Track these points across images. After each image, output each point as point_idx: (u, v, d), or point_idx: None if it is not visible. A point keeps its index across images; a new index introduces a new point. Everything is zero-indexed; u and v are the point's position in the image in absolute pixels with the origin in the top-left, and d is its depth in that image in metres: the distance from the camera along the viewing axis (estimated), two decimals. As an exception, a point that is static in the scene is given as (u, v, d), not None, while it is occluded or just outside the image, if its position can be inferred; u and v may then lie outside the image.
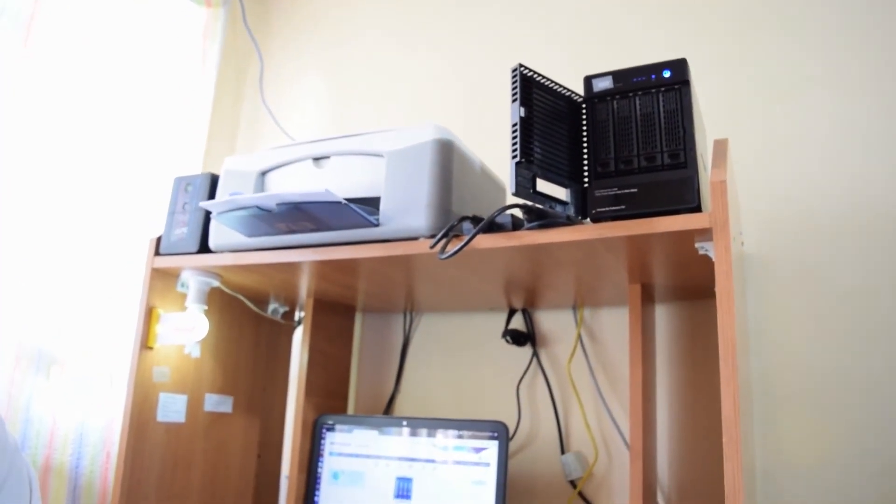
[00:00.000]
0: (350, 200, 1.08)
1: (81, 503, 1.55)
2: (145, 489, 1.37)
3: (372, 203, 1.14)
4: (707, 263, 0.95)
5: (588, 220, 0.99)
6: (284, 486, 1.68)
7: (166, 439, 1.42)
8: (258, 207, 1.10)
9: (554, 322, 1.52)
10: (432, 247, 1.03)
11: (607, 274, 1.18)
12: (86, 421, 1.58)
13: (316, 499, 1.45)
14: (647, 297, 1.29)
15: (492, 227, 1.03)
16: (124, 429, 1.34)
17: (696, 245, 0.96)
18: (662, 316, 1.41)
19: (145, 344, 1.38)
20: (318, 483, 1.46)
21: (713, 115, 1.41)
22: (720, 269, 0.88)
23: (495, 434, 1.32)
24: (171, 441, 1.43)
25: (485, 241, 1.03)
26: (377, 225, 1.11)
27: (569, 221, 0.98)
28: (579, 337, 1.48)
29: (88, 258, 1.63)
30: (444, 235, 1.02)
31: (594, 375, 1.45)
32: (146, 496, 1.37)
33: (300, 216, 1.11)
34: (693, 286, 1.27)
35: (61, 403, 1.55)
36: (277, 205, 1.08)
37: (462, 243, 0.99)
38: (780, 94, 1.40)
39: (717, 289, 0.87)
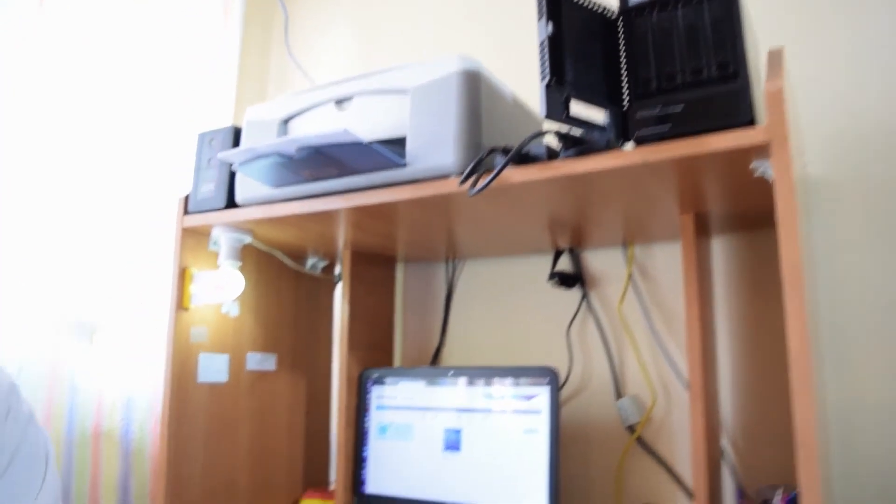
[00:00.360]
0: (376, 143, 1.01)
1: (133, 468, 1.55)
2: (192, 451, 1.35)
3: (399, 144, 1.07)
4: (765, 188, 0.86)
5: (630, 144, 0.90)
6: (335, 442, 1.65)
7: (210, 400, 1.40)
8: (278, 154, 1.04)
9: (603, 261, 1.44)
10: (461, 183, 0.96)
11: (656, 205, 1.10)
12: (132, 386, 1.57)
13: (364, 454, 1.41)
14: (702, 229, 1.20)
15: (525, 158, 0.95)
16: (166, 391, 1.32)
17: (753, 165, 0.87)
18: (719, 249, 1.32)
19: (181, 305, 1.35)
20: (366, 438, 1.42)
21: (766, 25, 1.29)
22: (781, 189, 0.79)
23: (546, 380, 1.25)
24: (215, 402, 1.41)
25: (518, 175, 0.95)
26: (404, 165, 1.04)
27: (608, 147, 0.89)
28: (631, 276, 1.40)
29: (122, 221, 1.60)
30: (473, 170, 0.95)
31: (648, 315, 1.37)
32: (193, 458, 1.36)
33: (323, 161, 1.05)
34: (751, 214, 1.17)
35: (106, 370, 1.54)
36: (297, 150, 1.02)
37: (491, 176, 0.92)
38: (842, 1, 1.27)
39: (779, 213, 0.78)
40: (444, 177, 1.02)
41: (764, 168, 0.86)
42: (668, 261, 1.37)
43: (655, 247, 1.38)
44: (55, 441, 1.45)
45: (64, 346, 1.49)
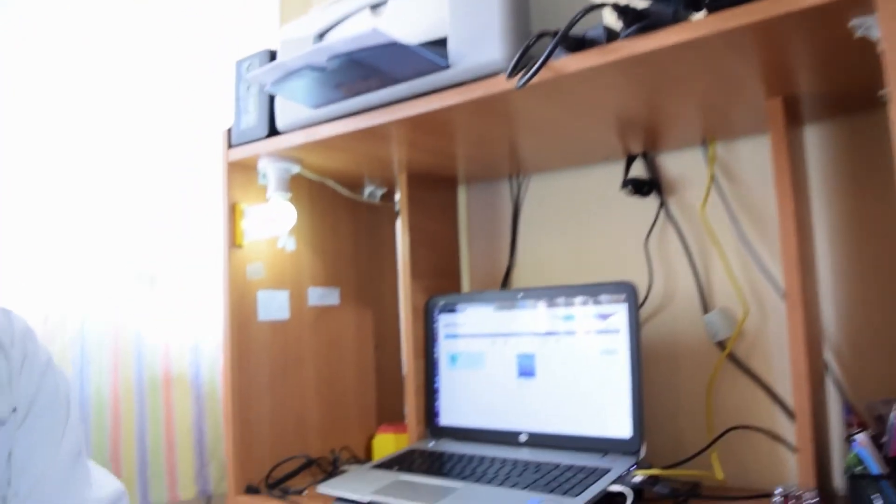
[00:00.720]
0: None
1: (206, 411, 1.54)
2: (258, 390, 1.32)
3: (441, 45, 0.97)
4: (869, 54, 0.72)
5: (701, 13, 0.77)
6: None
7: (272, 338, 1.36)
8: (310, 67, 0.95)
9: (681, 164, 1.31)
10: (509, 75, 0.85)
11: (738, 88, 0.96)
12: (198, 330, 1.55)
13: (436, 385, 1.35)
14: (792, 116, 1.06)
15: (581, 43, 0.83)
16: (226, 331, 1.29)
17: (852, 23, 0.73)
18: (813, 139, 1.17)
19: (234, 242, 1.30)
20: (437, 368, 1.36)
21: None
22: (891, 52, 0.65)
23: (623, 296, 1.15)
24: (278, 339, 1.37)
25: (574, 62, 0.84)
26: (447, 67, 0.94)
27: (676, 18, 0.77)
28: (713, 177, 1.26)
29: (172, 164, 1.55)
30: (520, 58, 0.83)
31: (735, 219, 1.24)
32: (260, 397, 1.33)
33: (359, 70, 0.96)
34: (851, 93, 1.02)
35: (170, 316, 1.52)
36: (329, 59, 0.92)
37: (539, 62, 0.81)
38: None
39: (889, 82, 0.65)
40: (492, 75, 0.92)
41: (867, 26, 0.72)
42: (754, 157, 1.23)
43: (739, 142, 1.24)
44: (125, 388, 1.44)
45: (126, 294, 1.47)
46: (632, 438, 1.11)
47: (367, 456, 1.50)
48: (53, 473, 0.71)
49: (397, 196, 1.60)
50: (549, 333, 1.22)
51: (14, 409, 0.70)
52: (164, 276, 1.52)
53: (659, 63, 0.83)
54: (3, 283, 1.32)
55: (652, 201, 1.33)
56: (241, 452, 1.30)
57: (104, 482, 0.76)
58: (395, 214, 1.63)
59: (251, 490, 1.29)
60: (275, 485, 1.31)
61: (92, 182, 1.44)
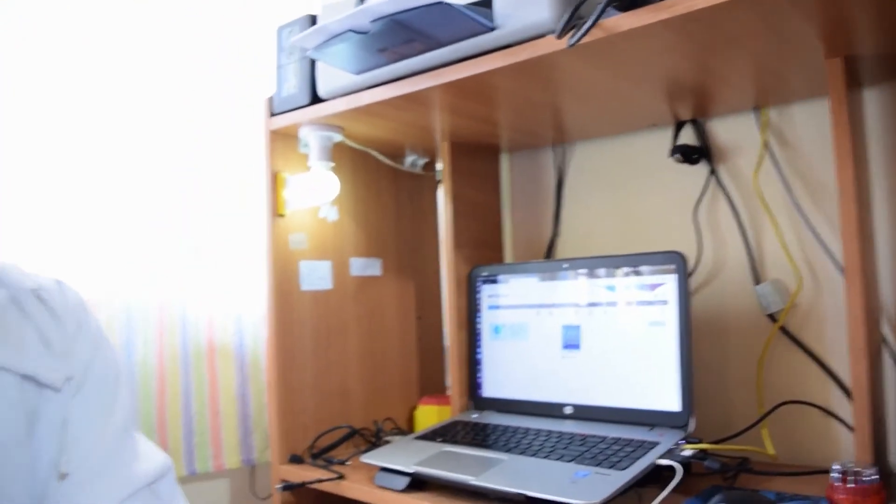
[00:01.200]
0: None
1: (250, 379, 1.55)
2: (301, 359, 1.32)
3: (486, 6, 0.94)
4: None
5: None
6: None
7: (315, 308, 1.35)
8: (352, 30, 0.93)
9: (732, 129, 1.26)
10: (559, 35, 0.82)
11: (795, 47, 0.92)
12: (241, 300, 1.56)
13: (479, 356, 1.34)
14: (852, 78, 1.01)
15: (633, 1, 0.80)
16: (269, 300, 1.29)
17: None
18: (874, 103, 1.12)
19: (276, 212, 1.30)
20: (480, 340, 1.34)
21: None
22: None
23: (672, 266, 1.12)
24: (320, 309, 1.36)
25: (626, 21, 0.81)
26: (493, 28, 0.91)
27: (737, -28, 0.73)
28: (766, 144, 1.22)
29: (212, 132, 1.55)
30: (571, 16, 0.81)
31: (789, 187, 1.20)
32: (303, 367, 1.33)
33: (402, 33, 0.93)
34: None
35: (215, 286, 1.53)
36: (371, 22, 0.90)
37: (592, 18, 0.78)
38: None
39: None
40: (539, 36, 0.89)
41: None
42: (810, 122, 1.18)
43: (795, 107, 1.19)
44: (171, 359, 1.46)
45: (170, 266, 1.48)
46: (680, 412, 1.08)
47: (410, 427, 1.50)
48: (102, 445, 0.71)
49: (439, 165, 1.58)
50: (595, 304, 1.20)
51: (68, 379, 0.70)
52: (208, 248, 1.53)
53: (715, 21, 0.79)
54: (52, 255, 1.33)
55: (701, 169, 1.29)
56: (285, 422, 1.30)
57: (151, 455, 0.75)
58: (437, 184, 1.61)
59: (295, 459, 1.30)
60: (318, 454, 1.31)
61: (135, 156, 1.44)
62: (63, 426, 0.68)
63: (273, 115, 1.28)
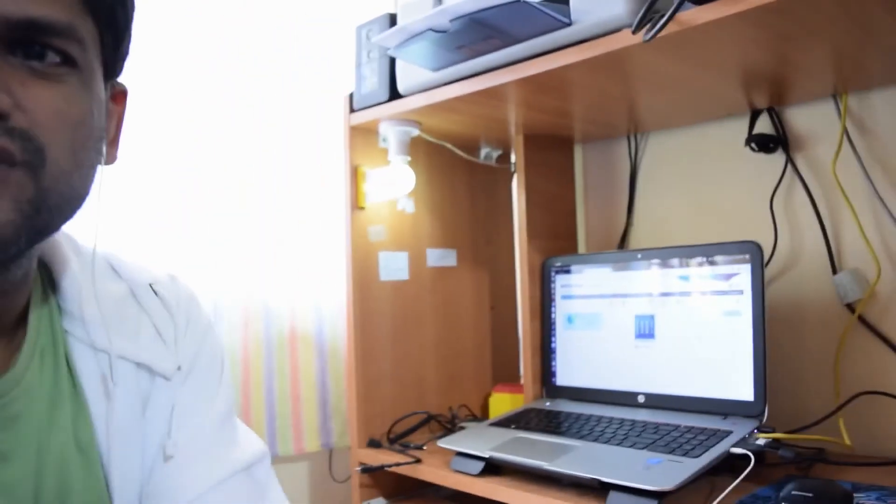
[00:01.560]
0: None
1: (329, 367, 1.61)
2: (379, 348, 1.37)
3: (562, 2, 0.96)
4: None
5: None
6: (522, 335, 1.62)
7: (393, 298, 1.40)
8: (432, 30, 0.96)
9: (810, 117, 1.25)
10: (635, 30, 0.84)
11: (876, 35, 0.91)
12: (321, 291, 1.61)
13: (553, 345, 1.36)
14: (936, 65, 1.00)
15: (710, -7, 0.81)
16: (349, 291, 1.34)
17: None
18: (959, 89, 1.10)
19: (356, 205, 1.34)
20: (553, 329, 1.36)
21: None
22: None
23: (747, 256, 1.12)
24: (398, 299, 1.41)
25: (703, 14, 0.82)
26: (569, 23, 0.93)
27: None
28: (845, 131, 1.20)
29: (292, 128, 1.61)
30: (648, 10, 0.82)
31: (869, 175, 1.18)
32: (381, 355, 1.37)
33: (480, 31, 0.96)
34: None
35: (296, 276, 1.59)
36: (451, 21, 0.94)
37: (668, 14, 0.79)
38: None
39: None
40: (614, 31, 0.91)
41: None
42: (891, 109, 1.16)
43: (875, 94, 1.18)
44: (255, 345, 1.52)
45: (253, 257, 1.54)
46: (754, 401, 1.08)
47: (484, 414, 1.53)
48: (204, 431, 0.74)
49: (513, 157, 1.61)
50: (669, 294, 1.21)
51: (178, 368, 0.74)
52: (289, 241, 1.59)
53: (794, 11, 0.80)
54: (146, 250, 1.40)
55: (778, 158, 1.28)
56: (364, 408, 1.35)
57: (249, 441, 0.79)
58: (511, 176, 1.64)
59: (373, 444, 1.34)
60: (395, 439, 1.36)
61: (223, 154, 1.50)
62: (170, 412, 0.72)
63: (353, 111, 1.32)
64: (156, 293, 0.74)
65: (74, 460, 0.64)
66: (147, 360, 0.70)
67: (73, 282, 0.68)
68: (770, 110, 1.28)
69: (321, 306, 1.61)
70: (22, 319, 0.64)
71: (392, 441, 1.36)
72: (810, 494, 0.87)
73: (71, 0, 0.55)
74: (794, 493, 0.87)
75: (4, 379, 0.60)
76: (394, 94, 1.24)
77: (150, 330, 0.72)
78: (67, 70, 0.56)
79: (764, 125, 1.29)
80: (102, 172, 0.62)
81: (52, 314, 0.68)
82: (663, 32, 0.83)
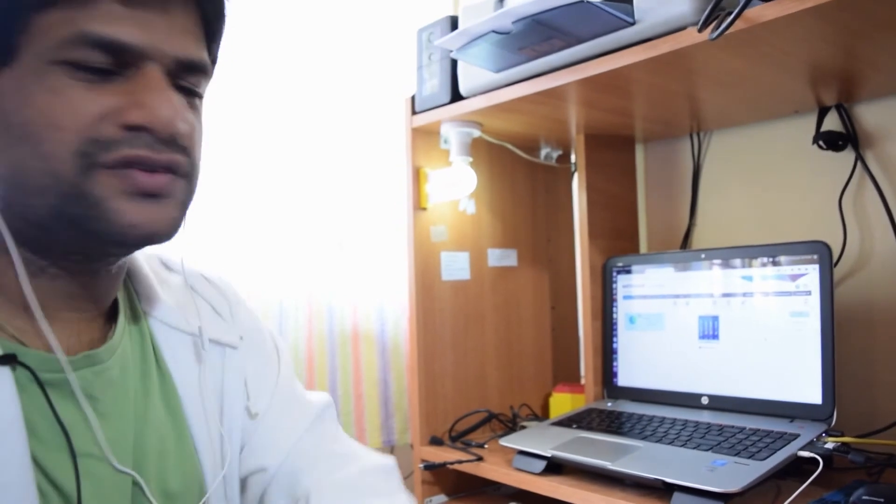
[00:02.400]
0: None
1: (391, 364, 1.63)
2: (441, 347, 1.38)
3: (625, 1, 0.96)
4: None
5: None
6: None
7: (454, 297, 1.41)
8: (494, 32, 0.97)
9: (881, 114, 1.22)
10: (700, 28, 0.83)
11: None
12: (383, 290, 1.64)
13: (614, 345, 1.35)
14: None
15: (778, -10, 0.80)
16: (411, 291, 1.35)
17: None
18: None
19: (418, 205, 1.36)
20: (615, 329, 1.36)
21: None
22: None
23: (815, 256, 1.10)
24: (460, 298, 1.42)
25: (771, 10, 0.81)
26: (633, 22, 0.93)
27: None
28: (919, 128, 1.17)
29: (354, 130, 1.63)
30: (714, 8, 0.81)
31: (944, 174, 1.15)
32: (443, 354, 1.39)
33: (542, 32, 0.97)
34: None
35: (359, 276, 1.61)
36: (513, 23, 0.94)
37: (736, 11, 0.78)
38: None
39: None
40: (679, 29, 0.90)
41: None
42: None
43: (950, 90, 1.15)
44: (318, 341, 1.55)
45: (318, 257, 1.58)
46: (822, 404, 1.06)
47: (544, 414, 1.53)
48: (282, 391, 0.85)
49: (573, 157, 1.60)
50: (734, 295, 1.19)
51: (241, 338, 0.83)
52: (352, 241, 1.62)
53: (866, 7, 0.78)
54: (215, 251, 1.44)
55: (847, 156, 1.26)
56: (426, 406, 1.37)
57: (314, 394, 0.90)
58: (572, 175, 1.64)
59: (435, 441, 1.36)
60: (457, 437, 1.37)
61: (287, 157, 1.54)
62: (244, 377, 0.82)
63: (415, 113, 1.34)
64: (207, 279, 0.85)
65: (166, 423, 0.73)
66: (216, 336, 0.80)
67: (144, 270, 0.78)
68: (839, 107, 1.25)
69: (383, 306, 1.64)
70: (114, 300, 0.74)
71: (454, 439, 1.37)
72: (881, 500, 0.85)
73: (203, 44, 0.66)
74: (864, 498, 0.86)
75: (105, 348, 0.68)
76: (455, 96, 1.26)
77: (208, 310, 0.82)
78: (199, 99, 0.68)
79: (832, 122, 1.26)
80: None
81: (131, 297, 0.77)
82: (730, 30, 0.83)
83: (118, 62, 0.59)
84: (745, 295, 1.18)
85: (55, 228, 0.60)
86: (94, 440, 0.64)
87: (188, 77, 0.64)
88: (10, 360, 0.59)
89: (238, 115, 1.48)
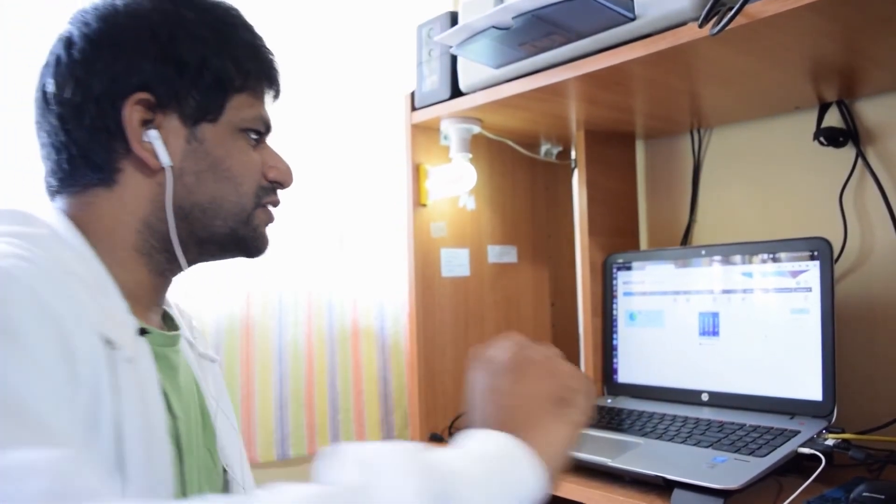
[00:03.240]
0: None
1: (391, 361, 1.63)
2: (440, 343, 1.38)
3: (626, -4, 0.96)
4: None
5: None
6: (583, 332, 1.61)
7: (454, 294, 1.41)
8: (494, 27, 0.97)
9: (881, 110, 1.22)
10: (701, 24, 0.83)
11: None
12: (383, 287, 1.64)
13: (614, 342, 1.35)
14: None
15: (778, -14, 0.80)
16: (411, 287, 1.35)
17: None
18: None
19: (418, 202, 1.36)
20: (615, 326, 1.36)
21: None
22: None
23: (815, 253, 1.10)
24: (459, 295, 1.42)
25: (770, 7, 0.80)
26: (633, 18, 0.93)
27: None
28: (920, 124, 1.17)
29: (353, 126, 1.63)
30: (715, 3, 0.81)
31: (945, 170, 1.15)
32: (442, 350, 1.38)
33: (543, 28, 0.97)
34: None
35: (358, 272, 1.61)
36: (513, 18, 0.94)
37: (736, 7, 0.78)
38: None
39: None
40: (679, 25, 0.90)
41: None
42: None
43: (951, 85, 1.14)
44: (318, 338, 1.55)
45: (317, 254, 1.57)
46: (823, 401, 1.06)
47: (544, 410, 1.53)
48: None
49: (573, 153, 1.60)
50: (734, 291, 1.19)
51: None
52: (352, 237, 1.61)
53: (865, 1, 0.78)
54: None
55: (847, 152, 1.25)
56: (426, 402, 1.36)
57: None
58: (572, 172, 1.64)
59: (435, 438, 1.36)
60: (456, 434, 1.37)
61: (286, 153, 1.53)
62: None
63: (415, 109, 1.34)
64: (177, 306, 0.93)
65: (199, 420, 0.83)
66: (202, 348, 0.89)
67: None
68: (839, 103, 1.25)
69: (383, 302, 1.64)
70: None
71: (453, 436, 1.37)
72: (882, 497, 0.85)
73: None
74: (864, 494, 0.86)
75: (177, 333, 0.82)
76: (455, 92, 1.25)
77: (188, 324, 0.91)
78: None
79: (833, 118, 1.26)
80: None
81: None
82: (730, 26, 0.82)
83: (264, 134, 0.83)
84: (745, 291, 1.18)
85: (225, 243, 0.80)
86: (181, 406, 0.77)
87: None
88: (144, 332, 0.72)
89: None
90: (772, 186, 1.36)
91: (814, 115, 1.27)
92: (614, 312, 1.36)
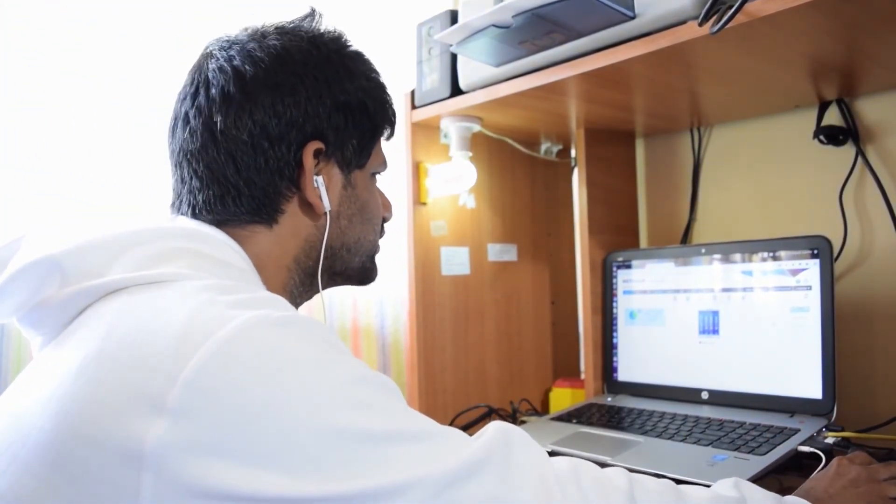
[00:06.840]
0: None
1: (391, 359, 1.63)
2: (441, 342, 1.38)
3: (632, -2, 0.96)
4: None
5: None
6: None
7: (454, 292, 1.41)
8: (494, 26, 0.97)
9: (881, 108, 1.22)
10: (701, 23, 0.83)
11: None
12: (383, 286, 1.64)
13: (614, 340, 1.35)
14: None
15: (779, -16, 0.80)
16: (411, 285, 1.35)
17: None
18: None
19: (418, 200, 1.36)
20: (615, 324, 1.36)
21: None
22: None
23: (815, 251, 1.10)
24: (460, 293, 1.42)
25: (770, 5, 0.80)
26: (633, 17, 0.93)
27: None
28: (920, 123, 1.17)
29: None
30: (715, 2, 0.81)
31: (945, 168, 1.15)
32: (442, 348, 1.39)
33: (543, 26, 0.97)
34: None
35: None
36: (513, 17, 0.94)
37: (736, 5, 0.78)
38: None
39: None
40: (679, 23, 0.90)
41: None
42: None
43: (951, 84, 1.14)
44: (320, 336, 1.55)
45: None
46: (823, 399, 1.07)
47: (544, 409, 1.53)
48: None
49: (573, 152, 1.60)
50: (734, 290, 1.19)
51: None
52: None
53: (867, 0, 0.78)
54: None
55: (847, 150, 1.25)
56: (426, 400, 1.37)
57: None
58: (572, 170, 1.64)
59: (435, 436, 1.36)
60: (457, 432, 1.37)
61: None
62: None
63: (415, 107, 1.34)
64: None
65: None
66: None
67: None
68: (839, 101, 1.25)
69: (383, 300, 1.64)
70: None
71: (453, 434, 1.37)
72: (882, 494, 0.85)
73: None
74: (865, 492, 0.85)
75: None
76: (455, 91, 1.25)
77: None
78: None
79: (833, 117, 1.26)
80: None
81: None
82: (730, 24, 0.82)
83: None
84: (745, 290, 1.18)
85: (352, 276, 0.85)
86: None
87: None
88: None
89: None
90: (772, 185, 1.36)
91: (814, 114, 1.27)
92: (614, 310, 1.36)
